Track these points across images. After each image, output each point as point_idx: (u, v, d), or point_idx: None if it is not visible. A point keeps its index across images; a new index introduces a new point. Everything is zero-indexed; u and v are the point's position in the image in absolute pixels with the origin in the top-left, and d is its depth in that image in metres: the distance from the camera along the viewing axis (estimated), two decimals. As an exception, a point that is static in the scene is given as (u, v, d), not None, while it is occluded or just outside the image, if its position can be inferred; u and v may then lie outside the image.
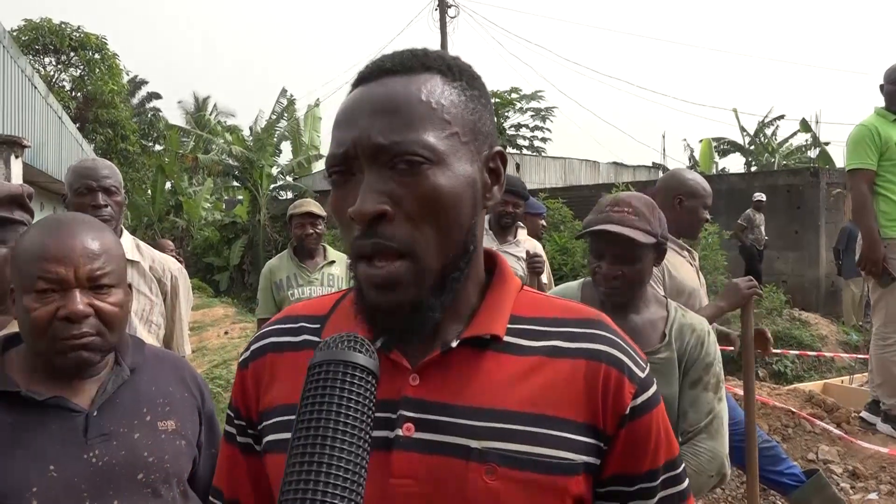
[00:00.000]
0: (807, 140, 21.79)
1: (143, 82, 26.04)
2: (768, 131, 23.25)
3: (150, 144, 22.35)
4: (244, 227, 18.97)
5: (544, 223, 4.85)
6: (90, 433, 1.25)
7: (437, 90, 0.76)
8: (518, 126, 15.83)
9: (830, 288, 11.50)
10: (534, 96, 15.68)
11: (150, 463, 1.28)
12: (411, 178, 0.73)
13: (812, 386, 5.28)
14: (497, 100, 15.46)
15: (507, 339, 0.80)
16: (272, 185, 19.66)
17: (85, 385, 1.29)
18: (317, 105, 20.50)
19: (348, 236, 0.76)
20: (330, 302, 0.88)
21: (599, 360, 0.79)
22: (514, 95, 15.49)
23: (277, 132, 19.57)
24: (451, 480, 0.74)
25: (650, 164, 25.84)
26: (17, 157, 7.55)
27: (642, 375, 0.81)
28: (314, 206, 3.87)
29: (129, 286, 1.36)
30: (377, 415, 0.68)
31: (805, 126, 19.45)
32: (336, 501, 0.60)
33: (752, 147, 23.37)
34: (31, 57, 16.86)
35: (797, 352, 7.65)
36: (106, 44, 18.59)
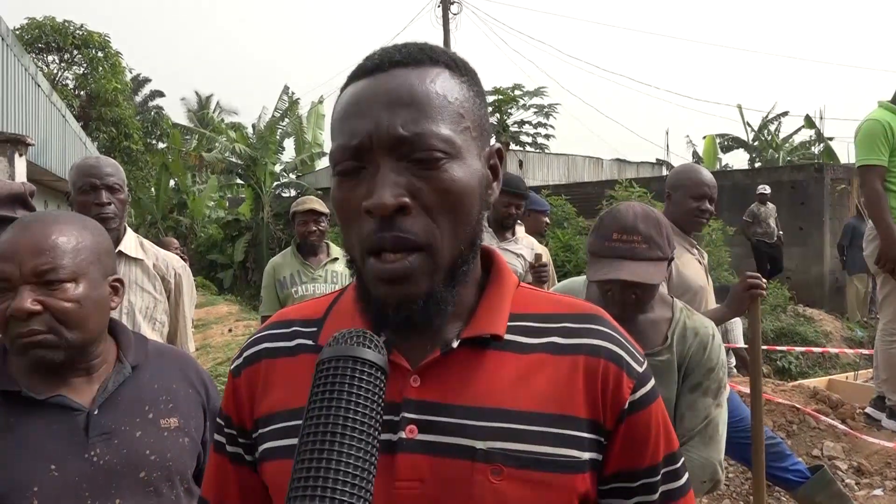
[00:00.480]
0: (811, 136, 21.74)
1: (147, 80, 26.07)
2: (772, 127, 23.19)
3: (154, 142, 22.36)
4: (248, 224, 19.01)
5: (547, 220, 4.86)
6: (91, 432, 1.24)
7: (448, 84, 0.76)
8: (521, 123, 15.80)
9: (835, 284, 11.48)
10: (537, 92, 15.65)
11: (152, 461, 1.27)
12: (430, 171, 0.72)
13: (817, 382, 5.28)
14: (500, 96, 15.43)
15: (506, 337, 0.79)
16: (275, 183, 19.68)
17: (86, 383, 1.29)
18: (320, 102, 20.50)
19: (358, 230, 0.74)
20: (324, 305, 0.87)
21: (598, 355, 0.79)
22: (517, 92, 15.45)
23: (280, 130, 19.59)
24: (457, 482, 0.73)
25: (654, 161, 25.79)
26: (20, 155, 7.56)
27: (640, 370, 0.81)
28: (317, 204, 3.86)
29: (119, 281, 1.34)
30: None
31: (809, 122, 19.39)
32: (346, 498, 0.60)
33: (756, 143, 23.31)
34: (34, 55, 16.88)
35: (802, 348, 7.63)
36: (109, 42, 18.60)
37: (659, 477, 0.82)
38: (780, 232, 10.90)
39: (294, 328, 0.85)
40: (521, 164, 20.89)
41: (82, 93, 18.67)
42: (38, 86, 9.87)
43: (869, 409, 4.29)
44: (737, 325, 6.93)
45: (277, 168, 20.14)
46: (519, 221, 4.06)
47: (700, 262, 2.79)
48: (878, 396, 4.25)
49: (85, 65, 18.51)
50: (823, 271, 11.57)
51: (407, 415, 0.75)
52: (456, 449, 0.74)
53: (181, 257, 3.99)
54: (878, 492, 3.61)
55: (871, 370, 4.85)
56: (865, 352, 6.22)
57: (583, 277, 2.10)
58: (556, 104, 15.81)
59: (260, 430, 0.82)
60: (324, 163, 20.13)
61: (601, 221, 1.86)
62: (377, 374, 0.66)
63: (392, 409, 0.74)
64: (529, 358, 0.78)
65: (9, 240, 1.22)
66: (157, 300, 2.48)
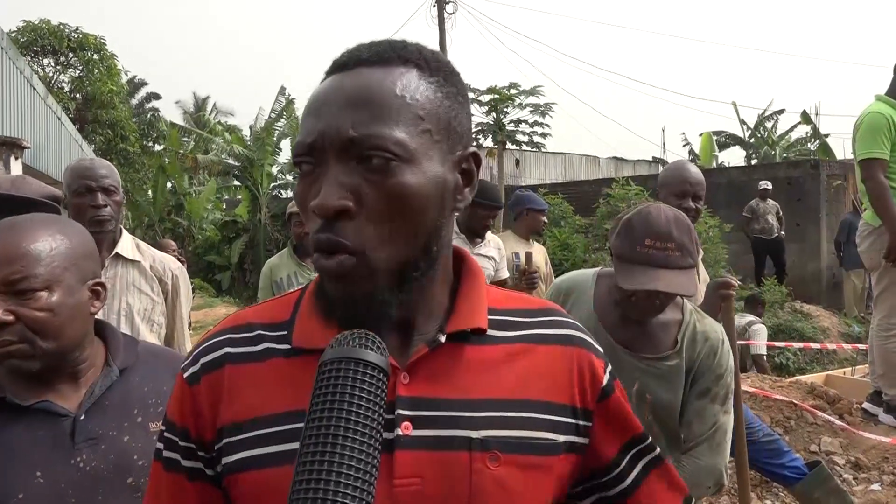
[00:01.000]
0: (807, 132, 21.78)
1: (143, 83, 26.03)
2: (768, 124, 23.22)
3: (150, 145, 22.33)
4: (245, 226, 19.00)
5: (545, 219, 4.85)
6: (77, 437, 1.21)
7: (412, 84, 0.73)
8: (517, 122, 15.78)
9: (832, 280, 11.50)
10: (533, 91, 15.63)
11: (140, 466, 1.24)
12: (378, 174, 0.70)
13: (814, 378, 5.29)
14: (496, 96, 15.42)
15: (487, 331, 0.81)
16: (272, 184, 19.66)
17: (73, 388, 1.26)
18: (316, 103, 20.44)
19: (311, 228, 0.73)
20: (287, 305, 0.84)
21: (571, 343, 0.84)
22: (513, 91, 15.44)
23: (277, 131, 19.57)
24: (457, 473, 0.74)
25: (650, 159, 25.83)
26: (16, 158, 7.55)
27: (602, 351, 0.87)
28: None
29: (101, 285, 1.30)
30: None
31: (806, 118, 19.42)
32: (348, 501, 0.60)
33: (753, 140, 23.34)
34: (29, 58, 16.83)
35: (799, 344, 7.64)
36: (104, 44, 18.55)
37: (645, 443, 0.88)
38: (783, 232, 10.77)
39: (257, 332, 0.81)
40: (517, 162, 20.90)
41: (78, 95, 18.63)
42: (34, 88, 9.85)
43: (866, 405, 4.30)
44: (761, 335, 6.94)
45: (274, 169, 20.12)
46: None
47: None
48: (874, 391, 4.25)
49: (81, 67, 18.47)
50: (820, 267, 11.59)
51: (401, 412, 0.75)
52: (453, 441, 0.75)
53: (178, 259, 3.98)
54: (875, 486, 3.62)
55: (868, 365, 4.86)
56: (863, 347, 6.23)
57: (591, 272, 2.03)
58: (553, 103, 15.79)
59: (225, 440, 0.77)
60: (321, 163, 20.06)
61: (630, 224, 1.76)
62: (379, 375, 0.66)
63: (387, 408, 0.75)
64: (510, 348, 0.81)
65: None
66: (154, 302, 2.48)
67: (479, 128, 16.14)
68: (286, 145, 20.54)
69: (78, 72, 18.65)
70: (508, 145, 16.19)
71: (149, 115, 24.15)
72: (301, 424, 0.65)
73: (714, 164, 21.13)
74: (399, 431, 0.74)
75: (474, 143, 0.83)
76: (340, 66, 0.76)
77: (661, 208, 1.78)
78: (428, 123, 0.73)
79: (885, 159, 3.81)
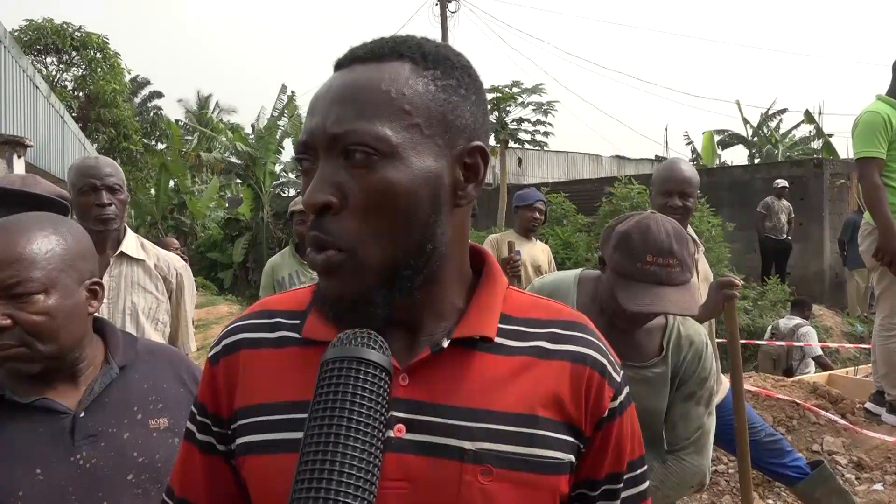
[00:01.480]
0: (810, 131, 21.73)
1: (146, 82, 26.04)
2: (772, 123, 23.18)
3: (153, 143, 22.35)
4: (247, 224, 19.02)
5: (537, 214, 4.56)
6: (77, 435, 1.21)
7: (401, 79, 0.73)
8: (520, 120, 15.75)
9: (835, 279, 11.47)
10: (535, 90, 15.61)
11: (140, 463, 1.24)
12: (362, 169, 0.70)
13: (817, 377, 5.28)
14: (498, 94, 15.40)
15: (495, 339, 0.79)
16: (275, 182, 19.67)
17: (72, 386, 1.26)
18: (319, 101, 20.46)
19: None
20: (304, 297, 0.85)
21: (584, 362, 0.80)
22: (515, 89, 15.42)
23: (280, 130, 19.58)
24: (446, 482, 0.73)
25: (653, 158, 25.77)
26: (19, 156, 7.56)
27: (619, 379, 0.82)
28: None
29: (98, 284, 1.29)
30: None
31: (809, 117, 19.37)
32: (349, 500, 0.60)
33: (756, 139, 23.30)
34: (32, 57, 16.86)
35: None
36: (108, 43, 18.58)
37: (622, 484, 0.83)
38: (790, 237, 10.68)
39: (276, 319, 0.83)
40: (519, 161, 20.88)
41: (81, 94, 18.66)
42: (37, 87, 9.86)
43: (869, 404, 4.29)
44: (811, 336, 6.94)
45: (277, 168, 20.14)
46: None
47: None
48: (877, 391, 4.25)
49: (84, 66, 18.50)
50: (823, 267, 11.57)
51: (395, 413, 0.74)
52: (445, 449, 0.73)
53: (182, 257, 3.98)
54: (878, 486, 3.61)
55: (871, 365, 4.85)
56: (865, 346, 6.23)
57: (572, 274, 2.00)
58: (555, 101, 15.75)
59: (239, 422, 0.80)
60: (323, 162, 20.08)
61: (629, 238, 1.71)
62: (381, 375, 0.66)
63: (388, 408, 0.75)
64: (516, 360, 0.78)
65: None
66: (159, 300, 2.48)
67: (482, 126, 16.02)
68: (288, 144, 20.55)
69: (81, 70, 18.68)
70: (511, 144, 16.17)
71: (151, 114, 24.17)
72: (307, 415, 0.65)
73: (716, 163, 21.09)
74: (391, 433, 0.73)
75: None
76: (339, 64, 0.77)
77: (658, 221, 1.74)
78: (416, 117, 0.72)
79: (881, 158, 3.83)
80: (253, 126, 21.24)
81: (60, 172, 10.46)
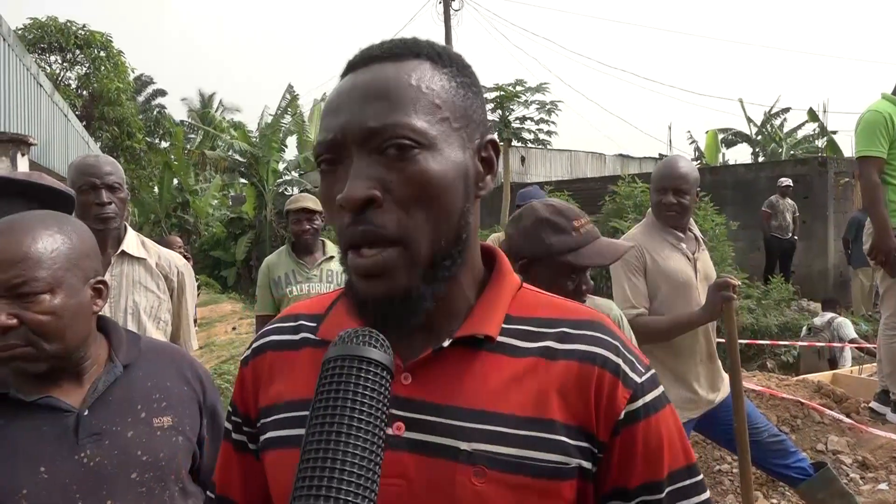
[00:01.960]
0: (814, 129, 21.66)
1: (149, 80, 26.08)
2: (776, 121, 23.12)
3: (157, 141, 22.39)
4: (250, 222, 19.05)
5: None
6: (81, 433, 1.22)
7: (426, 75, 0.75)
8: (523, 119, 15.73)
9: (839, 278, 11.43)
10: (539, 88, 15.58)
11: (144, 461, 1.25)
12: (401, 162, 0.71)
13: (821, 376, 5.26)
14: (501, 93, 15.39)
15: (500, 339, 0.78)
16: (278, 181, 19.69)
17: (76, 384, 1.27)
18: (323, 100, 20.50)
19: (339, 226, 0.74)
20: (328, 300, 0.88)
21: (593, 362, 0.77)
22: (518, 88, 15.40)
23: (283, 128, 19.60)
24: (440, 482, 0.73)
25: (656, 156, 25.73)
26: (23, 155, 7.57)
27: (639, 380, 0.77)
28: (311, 202, 3.81)
29: (102, 283, 1.29)
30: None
31: (813, 115, 19.32)
32: (350, 498, 0.60)
33: (760, 137, 23.24)
34: (36, 55, 16.91)
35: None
36: (111, 42, 18.63)
37: (664, 495, 0.77)
38: (796, 236, 10.65)
39: (300, 322, 0.87)
40: (523, 160, 20.86)
41: (85, 92, 18.70)
42: (40, 85, 9.88)
43: (873, 404, 4.28)
44: (847, 325, 7.09)
45: (280, 166, 20.15)
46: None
47: (688, 258, 2.77)
48: (882, 390, 4.23)
49: (87, 64, 18.54)
50: (828, 265, 11.53)
51: (395, 412, 0.74)
52: (440, 448, 0.73)
53: (184, 256, 3.98)
54: (882, 486, 3.60)
55: (875, 364, 4.83)
56: (870, 346, 6.20)
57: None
58: (559, 101, 15.76)
59: (262, 420, 0.84)
60: (326, 160, 20.10)
61: (549, 220, 1.84)
62: (383, 373, 0.66)
63: (389, 406, 0.75)
64: (522, 362, 0.77)
65: None
66: (160, 299, 2.47)
67: (485, 125, 16.01)
68: (292, 142, 20.57)
69: (84, 69, 18.72)
70: (514, 142, 16.15)
71: (155, 112, 24.21)
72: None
73: (720, 161, 21.05)
74: (390, 431, 0.74)
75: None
76: (354, 65, 0.78)
77: (542, 203, 1.90)
78: (446, 111, 0.74)
79: (882, 157, 3.86)
80: (257, 125, 21.27)
81: (64, 170, 10.47)
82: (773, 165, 13.52)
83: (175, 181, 20.76)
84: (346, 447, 0.61)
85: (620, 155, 25.09)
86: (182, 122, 22.59)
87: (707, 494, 0.80)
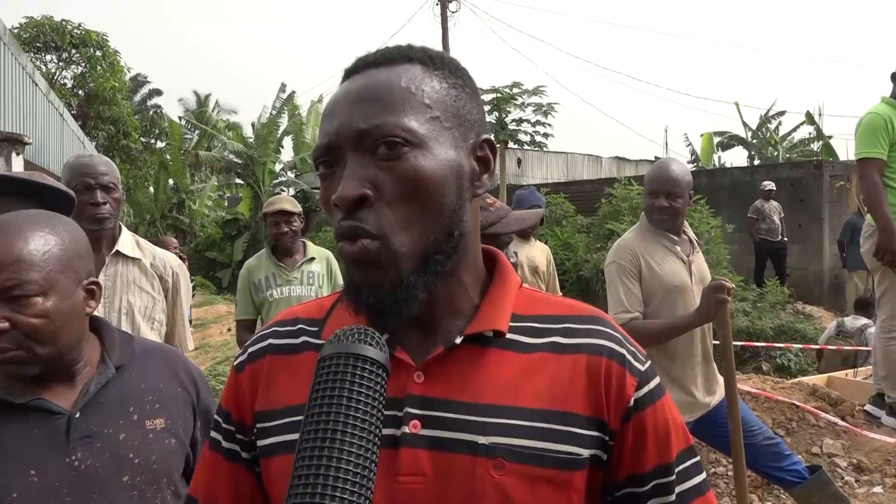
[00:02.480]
0: (810, 133, 21.74)
1: (145, 80, 26.02)
2: (771, 125, 23.18)
3: (153, 141, 22.35)
4: (246, 223, 19.02)
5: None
6: (72, 435, 1.20)
7: (417, 77, 0.77)
8: (520, 121, 15.76)
9: (834, 281, 11.47)
10: (536, 91, 15.60)
11: (136, 464, 1.23)
12: (392, 161, 0.73)
13: (816, 379, 5.27)
14: (498, 95, 15.40)
15: (509, 336, 0.80)
16: (274, 181, 19.66)
17: (68, 386, 1.25)
18: (320, 101, 20.51)
19: (334, 222, 0.76)
20: (328, 303, 0.88)
21: (601, 354, 0.80)
22: (515, 90, 15.41)
23: (280, 129, 19.58)
24: (460, 476, 0.74)
25: (653, 159, 25.76)
26: (18, 154, 7.54)
27: (643, 368, 0.82)
28: (288, 203, 3.78)
29: (95, 284, 1.28)
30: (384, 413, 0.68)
31: (810, 118, 19.39)
32: (346, 496, 0.60)
33: (755, 140, 23.30)
34: (32, 54, 16.84)
35: (801, 345, 7.63)
36: (107, 41, 18.58)
37: (674, 476, 0.81)
38: (785, 237, 10.70)
39: (299, 325, 0.87)
40: (519, 162, 20.87)
41: (80, 92, 18.65)
42: (36, 84, 9.84)
43: (868, 407, 4.29)
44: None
45: (277, 167, 20.13)
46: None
47: (683, 261, 2.77)
48: (877, 393, 4.24)
49: (83, 64, 18.50)
50: (823, 268, 11.56)
51: (410, 410, 0.75)
52: (458, 444, 0.75)
53: (180, 257, 3.96)
54: (877, 489, 3.60)
55: (869, 367, 4.84)
56: (864, 348, 6.22)
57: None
58: (555, 103, 15.76)
59: (259, 426, 0.83)
60: (322, 161, 20.13)
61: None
62: (378, 371, 0.66)
63: (395, 405, 0.75)
64: (531, 357, 0.79)
65: None
66: (155, 299, 2.46)
67: (482, 126, 16.04)
68: (288, 143, 20.54)
69: (80, 68, 18.68)
70: (511, 144, 16.16)
71: (151, 112, 24.16)
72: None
73: (716, 164, 21.10)
74: (406, 429, 0.75)
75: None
76: (350, 71, 0.81)
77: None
78: (436, 111, 0.76)
79: (882, 159, 3.87)
80: (253, 125, 21.23)
81: (59, 170, 10.42)
82: (769, 168, 13.56)
83: (171, 181, 20.71)
84: (341, 446, 0.61)
85: (617, 157, 25.11)
86: (179, 118, 22.56)
87: (704, 475, 0.85)
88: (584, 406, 0.78)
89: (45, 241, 1.20)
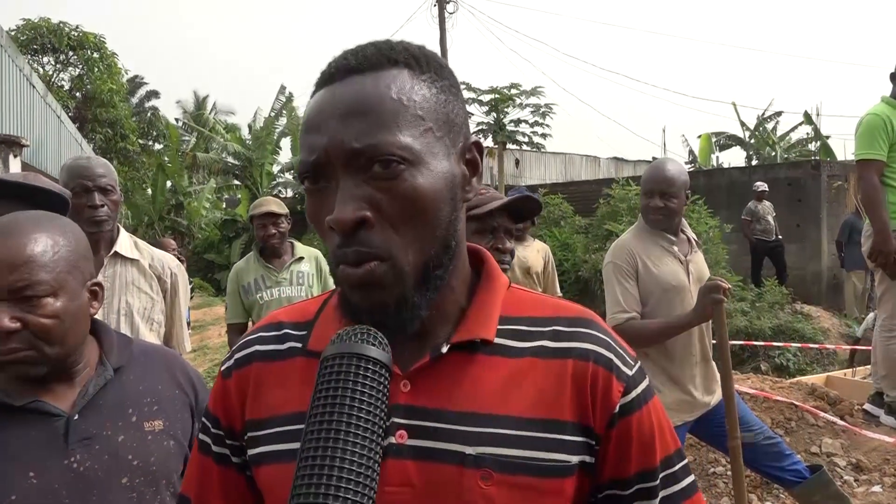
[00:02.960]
0: (808, 133, 21.77)
1: (143, 82, 26.01)
2: (769, 125, 23.21)
3: (150, 143, 22.34)
4: (244, 225, 18.97)
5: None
6: (71, 437, 1.20)
7: (406, 86, 0.73)
8: (518, 122, 15.78)
9: (832, 281, 11.48)
10: (533, 92, 15.62)
11: (135, 466, 1.23)
12: (389, 181, 0.70)
13: (815, 379, 5.27)
14: (496, 96, 15.42)
15: (496, 340, 0.78)
16: (272, 183, 19.65)
17: (67, 388, 1.25)
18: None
19: (329, 244, 0.73)
20: (314, 307, 0.86)
21: (587, 359, 0.78)
22: (513, 91, 15.44)
23: (277, 130, 19.57)
24: (447, 487, 0.73)
25: (650, 159, 25.79)
26: (15, 156, 7.54)
27: (630, 373, 0.80)
28: (275, 205, 3.78)
29: (98, 285, 1.28)
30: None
31: (808, 118, 19.41)
32: (349, 496, 0.60)
33: (753, 140, 23.32)
34: (29, 56, 16.83)
35: (799, 345, 7.63)
36: (104, 43, 18.57)
37: (658, 481, 0.80)
38: (780, 236, 10.71)
39: (285, 331, 0.84)
40: (517, 162, 20.89)
41: (78, 94, 18.64)
42: (33, 87, 9.83)
43: (867, 406, 4.29)
44: None
45: (274, 168, 20.12)
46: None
47: (681, 261, 2.77)
48: (876, 392, 4.24)
49: (80, 66, 18.48)
50: (821, 268, 11.57)
51: (397, 420, 0.74)
52: (446, 454, 0.73)
53: (178, 258, 3.96)
54: (876, 488, 3.60)
55: (868, 367, 4.84)
56: (862, 347, 6.22)
57: None
58: (553, 104, 15.80)
59: (250, 434, 0.81)
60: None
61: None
62: (382, 371, 0.65)
63: (388, 404, 0.74)
64: (519, 362, 0.78)
65: None
66: (153, 300, 2.46)
67: (480, 127, 16.15)
68: (285, 144, 20.54)
69: (78, 70, 18.66)
70: (509, 145, 16.18)
71: (148, 114, 24.14)
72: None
73: (714, 164, 21.12)
74: (393, 440, 0.73)
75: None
76: (330, 77, 0.75)
77: None
78: (429, 122, 0.73)
79: (882, 161, 3.87)
80: (250, 126, 21.22)
81: (56, 172, 10.42)
82: (767, 168, 13.57)
83: (168, 183, 20.69)
84: (345, 445, 0.61)
85: (615, 158, 25.15)
86: (177, 119, 22.53)
87: (693, 477, 0.84)
88: (572, 412, 0.76)
89: (53, 241, 1.20)
